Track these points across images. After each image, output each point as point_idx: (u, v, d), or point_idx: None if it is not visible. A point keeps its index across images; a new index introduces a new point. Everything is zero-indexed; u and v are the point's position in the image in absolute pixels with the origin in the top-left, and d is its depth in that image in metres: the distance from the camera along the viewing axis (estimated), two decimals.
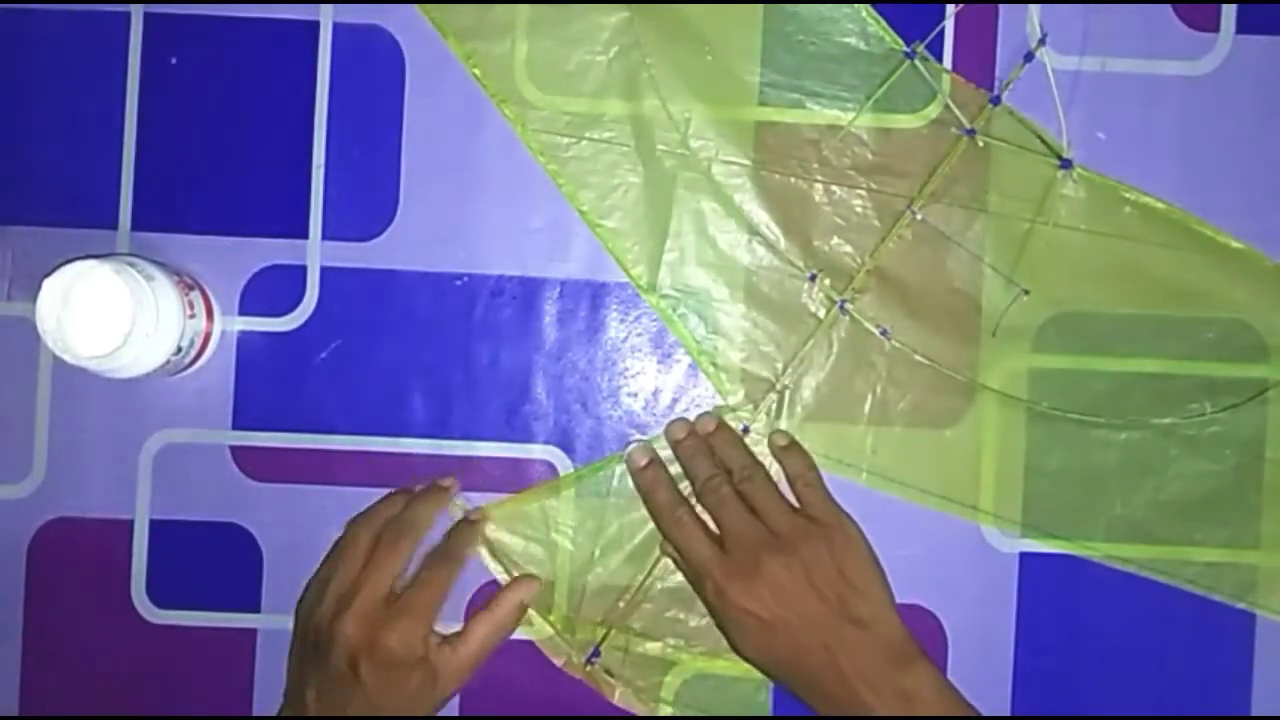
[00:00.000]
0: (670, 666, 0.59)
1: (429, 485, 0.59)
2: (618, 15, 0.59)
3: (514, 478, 0.60)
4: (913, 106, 0.59)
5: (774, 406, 0.59)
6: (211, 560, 0.59)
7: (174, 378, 0.58)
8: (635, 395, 0.60)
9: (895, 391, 0.59)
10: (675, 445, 0.59)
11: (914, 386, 0.59)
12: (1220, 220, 0.59)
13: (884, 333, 0.59)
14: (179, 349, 0.55)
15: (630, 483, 0.59)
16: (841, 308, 0.59)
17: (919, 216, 0.59)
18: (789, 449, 0.58)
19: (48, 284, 0.53)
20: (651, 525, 0.58)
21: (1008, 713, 0.59)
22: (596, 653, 0.59)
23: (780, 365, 0.59)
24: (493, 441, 0.60)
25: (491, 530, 0.59)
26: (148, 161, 0.60)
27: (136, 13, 0.60)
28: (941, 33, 0.59)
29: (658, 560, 0.59)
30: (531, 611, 0.58)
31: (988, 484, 0.59)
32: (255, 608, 0.59)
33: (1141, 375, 0.59)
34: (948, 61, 0.59)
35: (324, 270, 0.60)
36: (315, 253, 0.60)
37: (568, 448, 0.60)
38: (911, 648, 0.54)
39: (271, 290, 0.60)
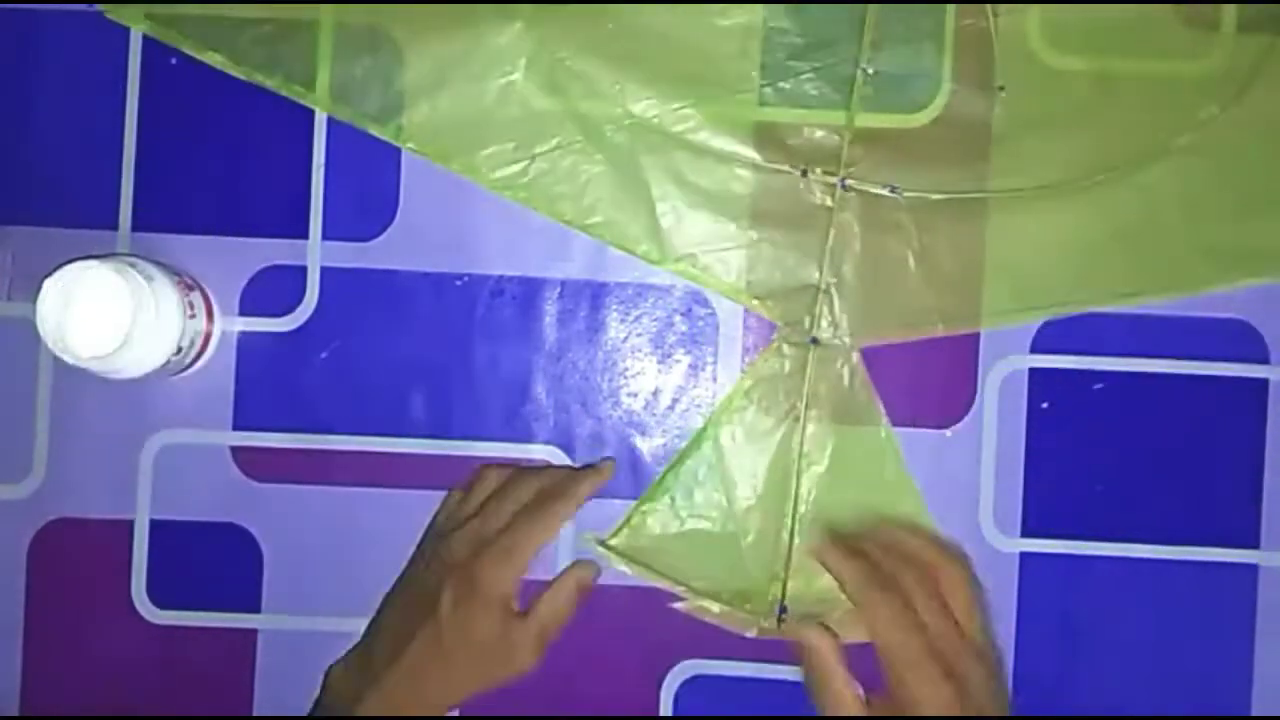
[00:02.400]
0: None
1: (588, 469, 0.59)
2: (508, 34, 0.59)
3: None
4: None
5: (829, 306, 0.59)
6: (211, 560, 0.59)
7: (174, 378, 0.58)
8: (635, 395, 0.60)
9: (930, 238, 0.59)
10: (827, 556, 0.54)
11: (946, 224, 0.59)
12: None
13: (893, 189, 0.59)
14: (179, 349, 0.55)
15: (724, 445, 0.59)
16: (843, 186, 0.59)
17: (871, 71, 0.59)
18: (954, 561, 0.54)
19: (48, 284, 0.53)
20: (767, 463, 0.58)
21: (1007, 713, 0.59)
22: (784, 608, 0.58)
23: (815, 267, 0.59)
24: (493, 441, 0.60)
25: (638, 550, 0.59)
26: (148, 161, 0.60)
27: None
28: None
29: (796, 500, 0.58)
30: (706, 601, 0.58)
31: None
32: (255, 608, 0.59)
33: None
34: None
35: (324, 270, 0.60)
36: (315, 253, 0.60)
37: (568, 448, 0.60)
38: None
39: (271, 290, 0.60)
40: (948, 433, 0.59)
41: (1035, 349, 0.59)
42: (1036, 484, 0.59)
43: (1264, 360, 0.59)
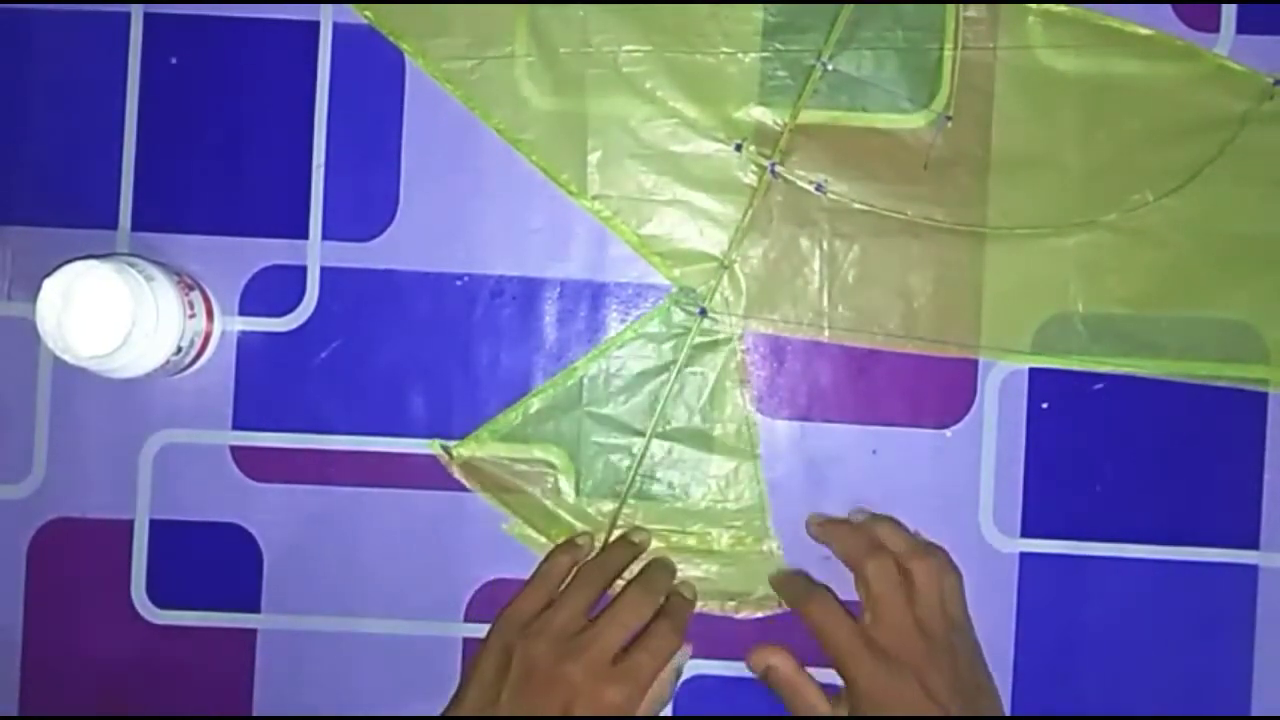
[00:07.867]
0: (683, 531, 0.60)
1: (620, 540, 0.59)
2: None
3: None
4: None
5: (726, 282, 0.59)
6: (211, 560, 0.59)
7: (174, 378, 0.59)
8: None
9: (842, 244, 0.59)
10: (823, 528, 0.59)
11: (859, 235, 0.59)
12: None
13: (819, 188, 0.59)
14: (179, 349, 0.55)
15: (586, 387, 0.59)
16: (772, 171, 0.59)
17: (830, 67, 0.59)
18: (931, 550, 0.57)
19: (48, 284, 0.53)
20: (624, 413, 0.59)
21: (1007, 713, 0.59)
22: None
23: (725, 241, 0.59)
24: None
25: (478, 461, 0.59)
26: (148, 161, 0.60)
27: (136, 13, 0.60)
28: None
29: (640, 459, 0.59)
30: (534, 534, 0.59)
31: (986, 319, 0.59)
32: (255, 608, 0.60)
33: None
34: None
35: (324, 270, 0.60)
36: (315, 253, 0.60)
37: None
38: None
39: (271, 290, 0.60)
40: (948, 433, 0.59)
41: (1035, 349, 0.59)
42: (1036, 484, 0.59)
43: (1264, 361, 0.59)
